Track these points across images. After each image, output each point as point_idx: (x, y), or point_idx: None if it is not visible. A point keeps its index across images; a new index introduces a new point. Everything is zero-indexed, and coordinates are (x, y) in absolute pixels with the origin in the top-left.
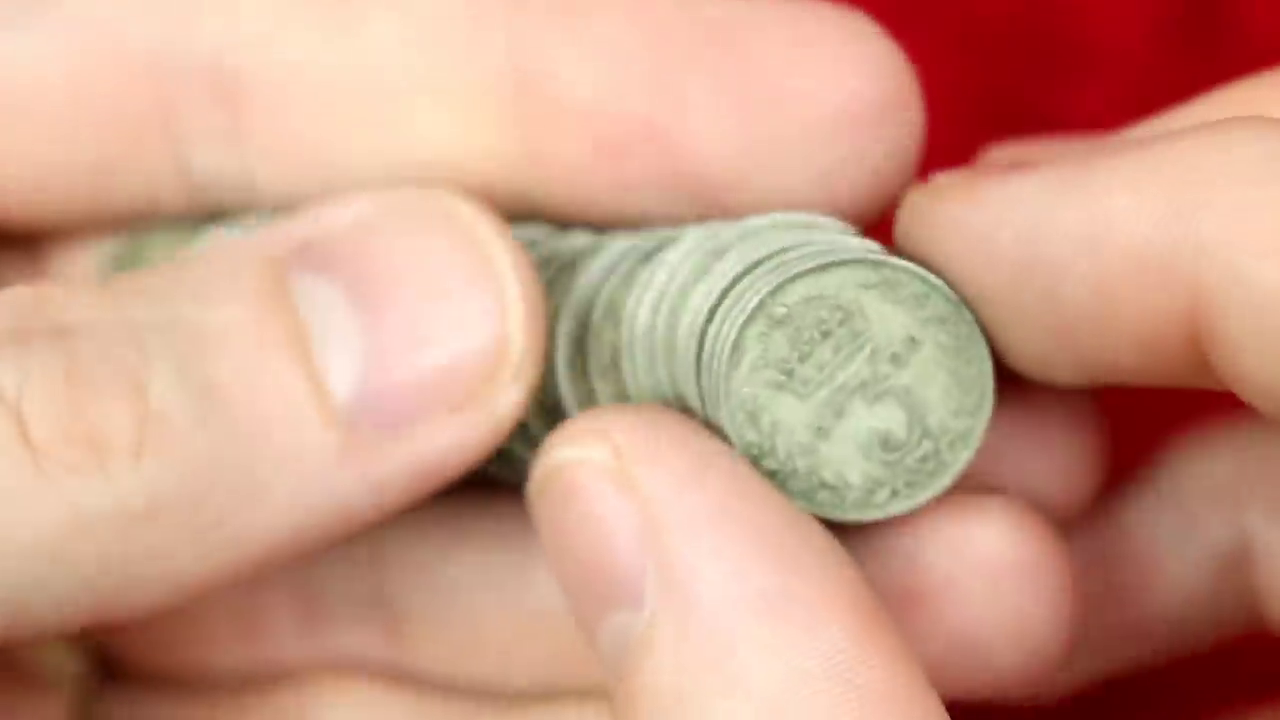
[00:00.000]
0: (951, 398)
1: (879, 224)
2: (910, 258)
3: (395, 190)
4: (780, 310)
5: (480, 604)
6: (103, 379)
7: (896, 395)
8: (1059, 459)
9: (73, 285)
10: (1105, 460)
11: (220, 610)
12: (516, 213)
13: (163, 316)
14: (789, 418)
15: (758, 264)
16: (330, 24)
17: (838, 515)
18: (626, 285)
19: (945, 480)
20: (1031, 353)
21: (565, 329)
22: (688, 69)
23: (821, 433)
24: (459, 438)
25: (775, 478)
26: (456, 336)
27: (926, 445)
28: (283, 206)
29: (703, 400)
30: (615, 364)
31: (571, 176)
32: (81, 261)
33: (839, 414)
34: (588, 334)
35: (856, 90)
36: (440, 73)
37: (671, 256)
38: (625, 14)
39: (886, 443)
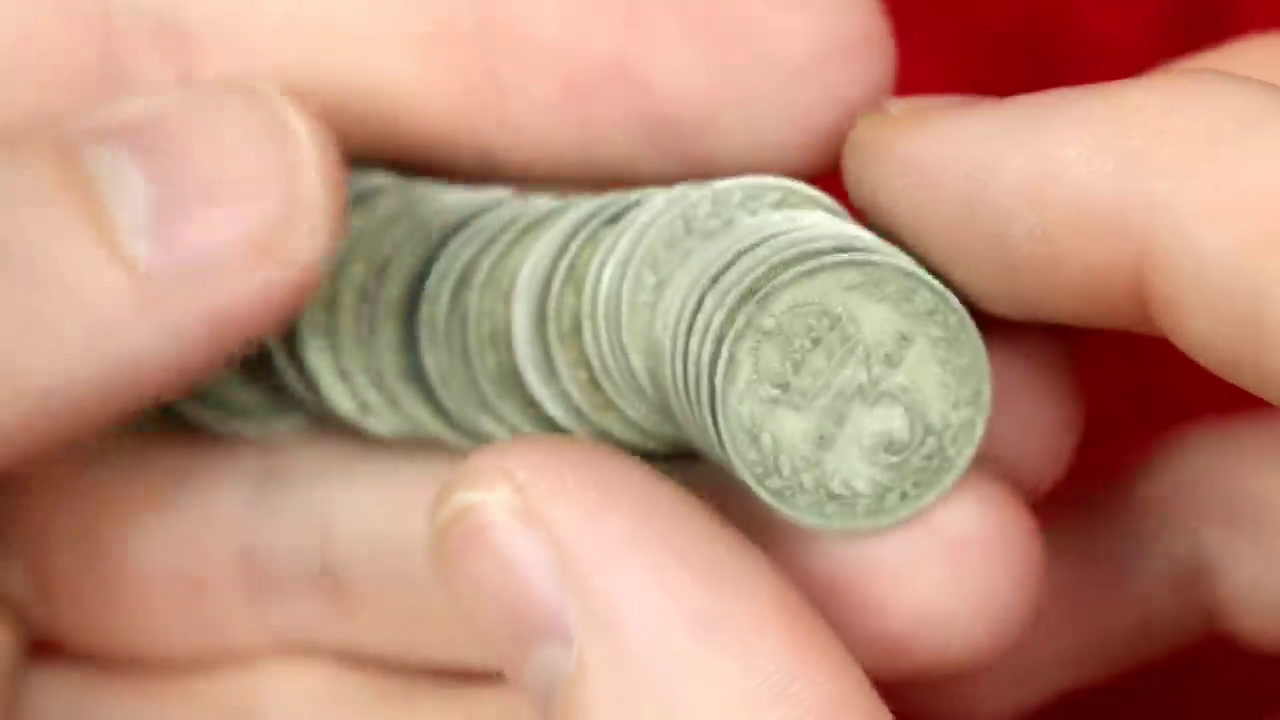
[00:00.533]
0: (949, 390)
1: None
2: (856, 188)
3: (186, 84)
4: (769, 322)
5: (427, 572)
6: None
7: (894, 395)
8: (1033, 429)
9: None
10: (1078, 430)
11: (162, 582)
12: (479, 160)
13: None
14: (789, 432)
15: (735, 260)
16: None
17: (850, 525)
18: (590, 248)
19: (952, 476)
20: (974, 288)
21: (525, 294)
22: (657, 7)
23: (824, 443)
24: (257, 289)
25: (782, 496)
26: (250, 188)
27: (930, 443)
28: None
29: (690, 411)
30: (576, 331)
31: (537, 117)
32: None
33: (839, 422)
34: (548, 299)
35: (827, 28)
36: (400, 13)
37: (641, 217)
38: None
39: (890, 445)
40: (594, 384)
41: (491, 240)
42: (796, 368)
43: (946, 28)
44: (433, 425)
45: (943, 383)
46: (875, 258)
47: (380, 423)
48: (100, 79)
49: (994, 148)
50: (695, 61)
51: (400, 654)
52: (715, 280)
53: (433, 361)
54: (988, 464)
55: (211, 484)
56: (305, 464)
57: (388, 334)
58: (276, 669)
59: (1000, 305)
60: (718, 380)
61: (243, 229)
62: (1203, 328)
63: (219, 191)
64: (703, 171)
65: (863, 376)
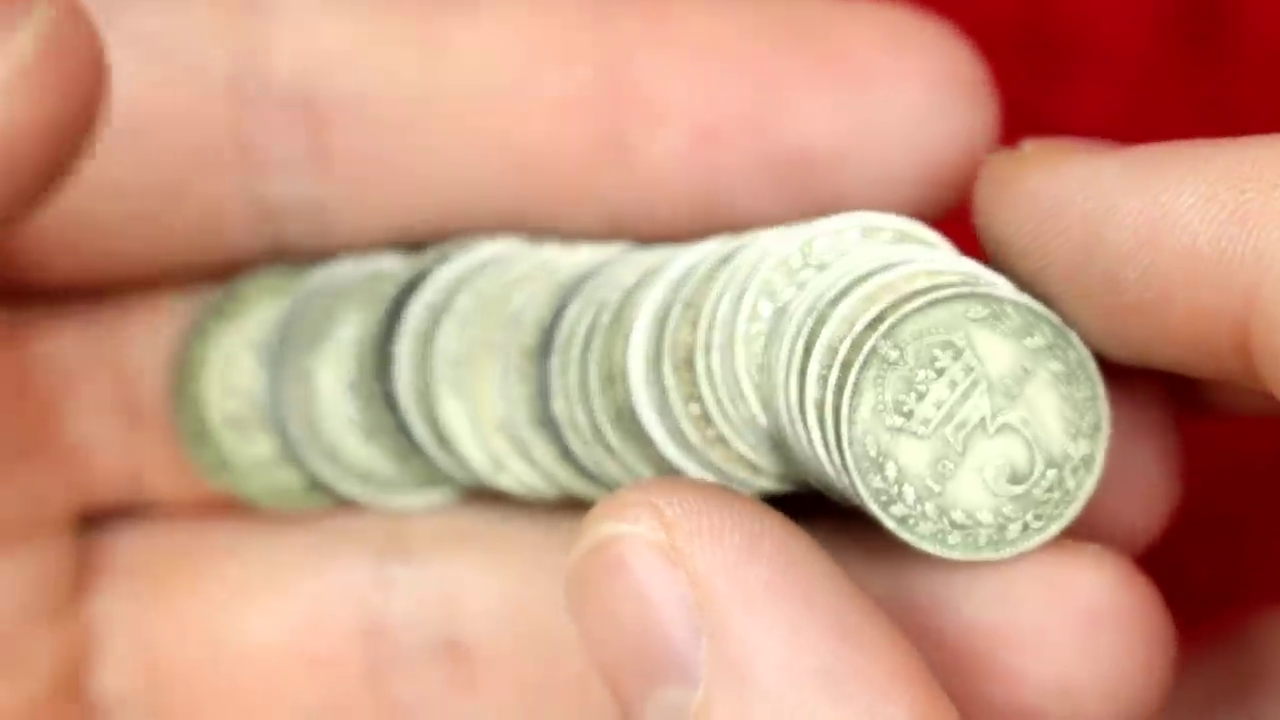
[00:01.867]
0: (1069, 423)
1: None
2: (985, 221)
3: None
4: (894, 353)
5: (555, 640)
6: None
7: (1015, 427)
8: (1134, 487)
9: None
10: (1178, 492)
11: (281, 664)
12: (606, 220)
13: None
14: (912, 460)
15: (853, 286)
16: (414, 40)
17: (972, 555)
18: (706, 284)
19: (1074, 509)
20: (1087, 326)
21: (641, 331)
22: (782, 58)
23: (946, 472)
24: None
25: (905, 523)
26: None
27: (1051, 475)
28: (361, 235)
29: (808, 438)
30: (689, 363)
31: (664, 169)
32: (166, 312)
33: (962, 452)
34: (664, 334)
35: (944, 72)
36: (531, 81)
37: (757, 251)
38: (711, 14)
39: (1013, 476)
40: (706, 418)
41: (616, 287)
42: (920, 397)
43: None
44: (562, 474)
45: (1062, 415)
46: (997, 291)
47: (511, 478)
48: (226, 151)
49: (1113, 190)
50: (821, 106)
51: None
52: (834, 304)
53: (561, 406)
54: (1090, 522)
55: (333, 558)
56: (428, 533)
57: (520, 382)
58: None
59: (1111, 346)
60: (843, 408)
61: None
62: None
63: None
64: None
65: (985, 408)
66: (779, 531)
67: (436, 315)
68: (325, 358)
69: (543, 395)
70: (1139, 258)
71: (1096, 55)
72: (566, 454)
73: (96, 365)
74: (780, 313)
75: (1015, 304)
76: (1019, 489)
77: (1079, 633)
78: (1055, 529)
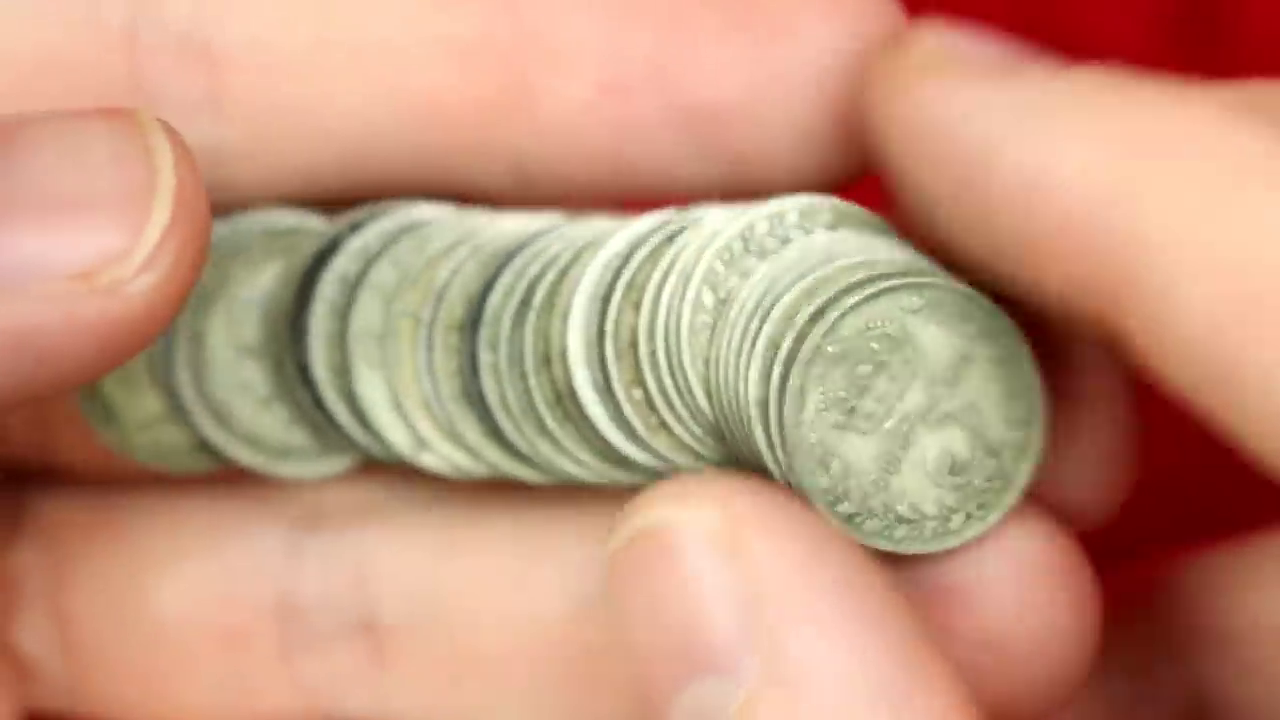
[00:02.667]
0: (1006, 409)
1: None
2: (869, 123)
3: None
4: (835, 349)
5: (470, 621)
6: None
7: (955, 416)
8: (1087, 464)
9: None
10: (1134, 467)
11: (192, 635)
12: (513, 169)
13: None
14: (857, 457)
15: (794, 283)
16: None
17: (917, 549)
18: (650, 265)
19: (1013, 496)
20: (966, 257)
21: (581, 311)
22: (693, 10)
23: (891, 466)
24: (74, 317)
25: (852, 521)
26: (89, 209)
27: (990, 463)
28: (263, 179)
29: (751, 433)
30: (633, 348)
31: (572, 119)
32: None
33: (905, 444)
34: (605, 316)
35: (859, 25)
36: (434, 25)
37: (700, 234)
38: None
39: (954, 466)
40: (649, 404)
41: (550, 261)
42: (862, 392)
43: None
44: (489, 452)
45: (999, 402)
46: (931, 280)
47: (434, 458)
48: (126, 97)
49: (996, 134)
50: (732, 59)
51: (439, 711)
52: (777, 299)
53: (491, 384)
54: (1041, 502)
55: (246, 530)
56: (344, 507)
57: (446, 357)
58: None
59: (988, 281)
60: (786, 408)
61: (67, 250)
62: (1172, 371)
63: (52, 205)
64: (741, 172)
65: (925, 399)
66: (844, 543)
67: (352, 287)
68: (218, 318)
69: (470, 371)
70: (1013, 215)
71: (1096, 55)
72: (495, 432)
73: None
74: (724, 304)
75: (951, 290)
76: (961, 479)
77: (1009, 588)
78: (995, 517)
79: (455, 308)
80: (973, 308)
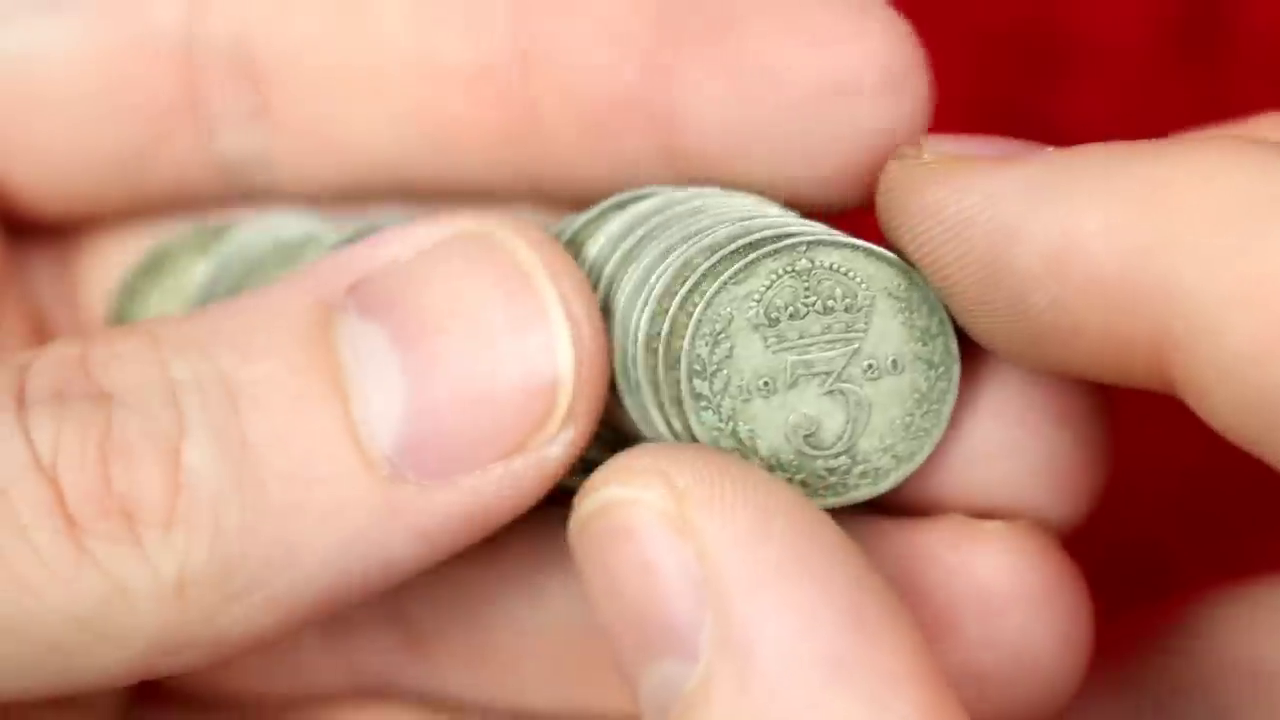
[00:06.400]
0: (893, 436)
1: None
2: (888, 232)
3: (449, 223)
4: (805, 264)
5: (494, 616)
6: (137, 444)
7: (850, 403)
8: (1057, 467)
9: (117, 339)
10: (1104, 471)
11: None
12: (531, 192)
13: (202, 372)
14: (747, 359)
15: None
16: (338, 3)
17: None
18: (594, 226)
19: (832, 500)
20: (998, 344)
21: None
22: (681, 45)
23: (766, 390)
24: (508, 485)
25: (699, 401)
26: (503, 384)
27: (842, 462)
28: (306, 189)
29: (659, 319)
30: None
31: (568, 151)
32: (111, 257)
33: (790, 384)
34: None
35: (850, 63)
36: (445, 50)
37: (644, 204)
38: None
39: (812, 438)
40: None
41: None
42: (795, 316)
43: (947, 28)
44: None
45: (894, 427)
46: (925, 288)
47: None
48: (183, 112)
49: (1016, 212)
50: (718, 97)
51: (474, 695)
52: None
53: None
54: (1021, 510)
55: None
56: None
57: None
58: (360, 711)
59: (1024, 361)
60: (723, 276)
61: (496, 428)
62: (1224, 410)
63: (473, 386)
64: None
65: (839, 367)
66: (793, 508)
67: None
68: None
69: None
70: (1045, 286)
71: (1096, 55)
72: None
73: (60, 306)
74: (646, 240)
75: (933, 307)
76: (809, 452)
77: (978, 617)
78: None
79: None
80: (942, 336)
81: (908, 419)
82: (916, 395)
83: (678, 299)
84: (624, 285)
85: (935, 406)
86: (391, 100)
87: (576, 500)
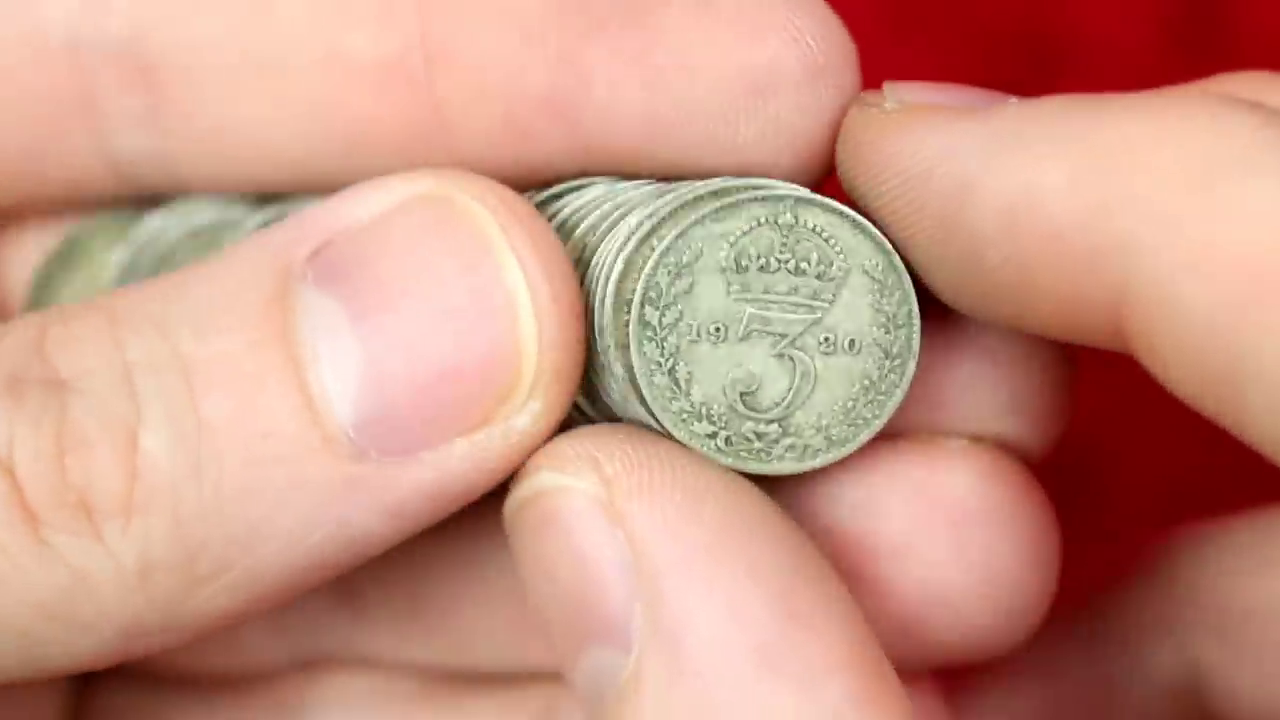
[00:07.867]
0: (831, 417)
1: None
2: (846, 181)
3: (410, 182)
4: (789, 219)
5: (436, 575)
6: (93, 433)
7: (797, 372)
8: (1022, 401)
9: (74, 318)
10: (1072, 402)
11: None
12: None
13: (159, 352)
14: (705, 300)
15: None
16: (241, 2)
17: (642, 394)
18: (561, 200)
19: (753, 467)
20: (954, 298)
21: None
22: (593, 38)
23: (716, 335)
24: (474, 460)
25: (646, 329)
26: (463, 357)
27: (772, 430)
28: (209, 187)
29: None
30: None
31: (479, 148)
32: (26, 247)
33: (742, 337)
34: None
35: (770, 55)
36: (352, 47)
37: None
38: None
39: (750, 397)
40: None
41: None
42: (764, 269)
43: (947, 28)
44: None
45: (836, 410)
46: (909, 281)
47: None
48: (75, 110)
49: (975, 164)
50: (629, 95)
51: (423, 657)
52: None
53: None
54: (986, 436)
55: None
56: None
57: None
58: (311, 683)
59: (981, 316)
60: (704, 212)
61: (458, 401)
62: (1179, 375)
63: (432, 359)
64: None
65: (796, 332)
66: (724, 489)
67: None
68: None
69: None
70: (1001, 242)
71: (1096, 55)
72: None
73: None
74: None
75: (907, 296)
76: (743, 411)
77: (946, 535)
78: (723, 464)
79: None
80: (909, 326)
81: (850, 404)
82: (866, 382)
83: (645, 229)
84: (600, 246)
85: (880, 398)
86: (296, 98)
87: (513, 482)
